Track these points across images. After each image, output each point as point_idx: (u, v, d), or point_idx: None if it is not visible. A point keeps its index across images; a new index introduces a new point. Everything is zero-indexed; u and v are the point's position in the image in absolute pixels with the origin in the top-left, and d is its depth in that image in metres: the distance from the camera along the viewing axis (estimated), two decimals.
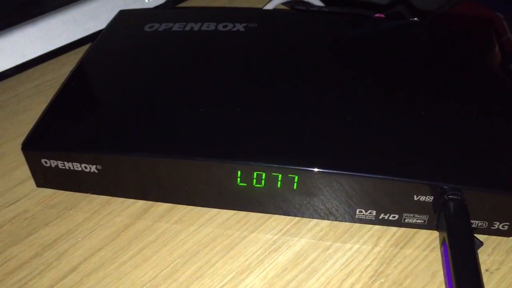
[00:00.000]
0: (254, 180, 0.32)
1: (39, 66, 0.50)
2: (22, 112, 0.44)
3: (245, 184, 0.32)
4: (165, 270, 0.32)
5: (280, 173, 0.31)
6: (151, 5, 0.54)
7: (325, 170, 0.31)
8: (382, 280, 0.31)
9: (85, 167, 0.34)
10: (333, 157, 0.31)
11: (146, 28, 0.44)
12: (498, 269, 0.31)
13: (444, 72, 0.38)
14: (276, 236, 0.34)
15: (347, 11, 0.53)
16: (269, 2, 0.55)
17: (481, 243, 0.32)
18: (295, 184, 0.32)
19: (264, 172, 0.32)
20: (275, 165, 0.31)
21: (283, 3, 0.57)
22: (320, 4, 0.56)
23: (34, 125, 0.36)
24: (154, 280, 0.32)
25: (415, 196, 0.31)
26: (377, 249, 0.33)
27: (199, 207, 0.35)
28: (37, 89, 0.47)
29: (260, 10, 0.51)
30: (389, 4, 0.55)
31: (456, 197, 0.30)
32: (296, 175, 0.31)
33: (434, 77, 0.38)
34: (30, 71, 0.49)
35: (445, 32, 0.43)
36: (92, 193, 0.36)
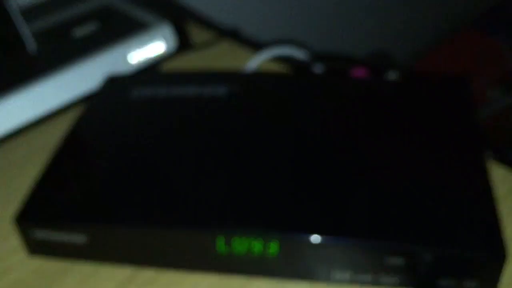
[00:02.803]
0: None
1: (32, 131, 0.51)
2: (15, 178, 0.46)
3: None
4: None
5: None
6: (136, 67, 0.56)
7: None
8: None
9: (74, 238, 0.35)
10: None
11: (134, 93, 0.46)
12: None
13: (407, 132, 0.40)
14: None
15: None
16: (254, 58, 0.58)
17: None
18: (276, 250, 0.34)
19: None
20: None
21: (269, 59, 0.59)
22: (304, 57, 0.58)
23: (26, 197, 0.38)
24: None
25: (386, 258, 0.33)
26: None
27: (184, 272, 0.37)
28: (29, 154, 0.49)
29: (242, 73, 0.53)
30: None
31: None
32: (277, 240, 0.33)
33: (395, 138, 0.40)
34: (22, 135, 0.51)
35: (417, 92, 0.45)
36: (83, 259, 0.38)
